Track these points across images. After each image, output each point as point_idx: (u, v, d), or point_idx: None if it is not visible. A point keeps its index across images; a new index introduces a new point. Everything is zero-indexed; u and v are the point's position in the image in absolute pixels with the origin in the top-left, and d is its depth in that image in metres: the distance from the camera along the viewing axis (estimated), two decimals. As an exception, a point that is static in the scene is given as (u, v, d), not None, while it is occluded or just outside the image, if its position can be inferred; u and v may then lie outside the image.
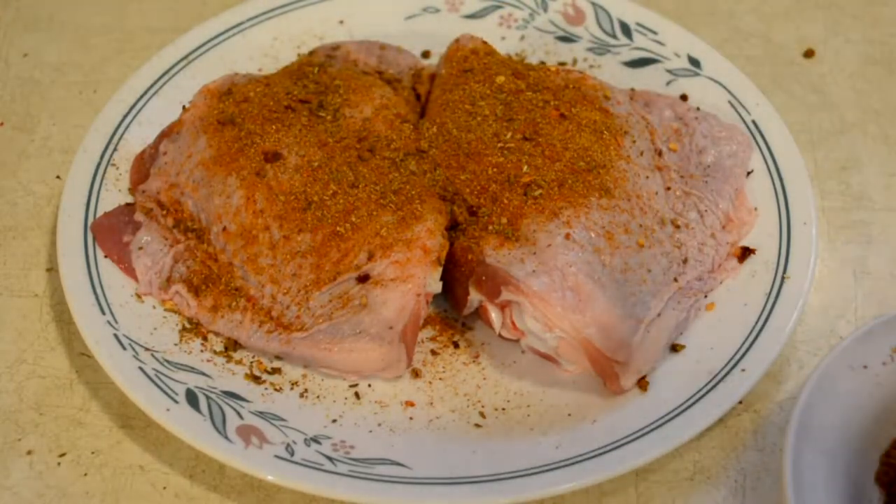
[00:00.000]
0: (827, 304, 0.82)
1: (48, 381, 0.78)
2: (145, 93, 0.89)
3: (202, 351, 0.77)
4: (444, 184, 0.79)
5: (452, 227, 0.78)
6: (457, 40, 0.89)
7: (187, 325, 0.77)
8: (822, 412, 0.68)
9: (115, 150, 0.86)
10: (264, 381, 0.75)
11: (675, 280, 0.77)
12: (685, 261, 0.78)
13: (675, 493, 0.73)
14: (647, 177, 0.81)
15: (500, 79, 0.85)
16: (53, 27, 1.02)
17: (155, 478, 0.74)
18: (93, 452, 0.75)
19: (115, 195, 0.84)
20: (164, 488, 0.73)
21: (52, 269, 0.85)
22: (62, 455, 0.75)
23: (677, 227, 0.80)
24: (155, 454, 0.75)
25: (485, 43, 0.88)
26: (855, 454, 0.68)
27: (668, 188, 0.82)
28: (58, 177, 0.91)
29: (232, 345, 0.77)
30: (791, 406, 0.68)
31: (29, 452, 0.75)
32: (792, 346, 0.79)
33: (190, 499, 0.73)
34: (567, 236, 0.75)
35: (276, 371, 0.76)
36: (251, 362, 0.76)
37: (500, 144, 0.80)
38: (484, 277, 0.74)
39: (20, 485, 0.73)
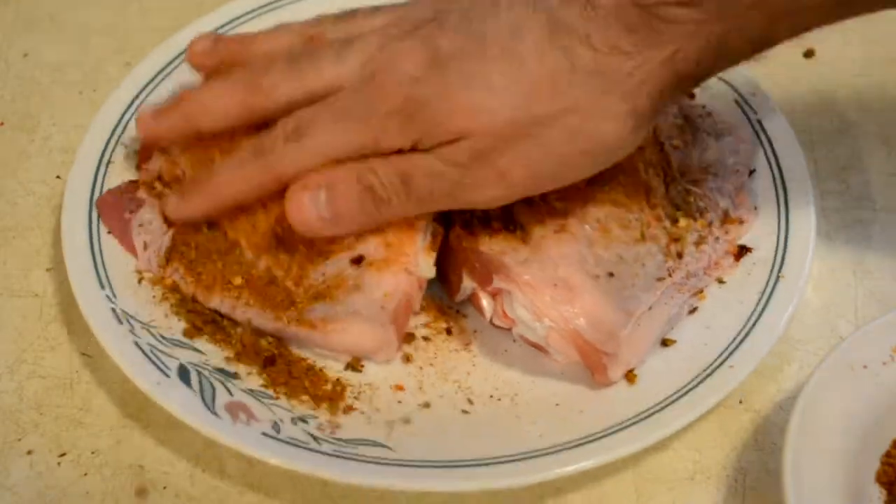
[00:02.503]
0: (827, 304, 0.82)
1: (48, 381, 0.78)
2: (155, 77, 0.90)
3: (197, 327, 0.77)
4: None
5: (449, 216, 0.78)
6: None
7: (183, 303, 0.77)
8: (822, 412, 0.68)
9: (123, 129, 0.86)
10: None
11: (670, 275, 0.77)
12: (680, 256, 0.78)
13: (675, 493, 0.73)
14: (648, 172, 0.81)
15: None
16: (53, 27, 1.02)
17: (155, 478, 0.74)
18: (93, 452, 0.75)
19: (123, 173, 0.84)
20: (164, 488, 0.73)
21: (52, 269, 0.85)
22: (62, 455, 0.75)
23: (675, 222, 0.80)
24: (155, 454, 0.75)
25: None
26: (855, 454, 0.68)
27: (668, 184, 0.82)
28: (58, 177, 0.91)
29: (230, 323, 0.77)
30: (791, 406, 0.68)
31: (29, 452, 0.75)
32: (792, 346, 0.79)
33: (190, 499, 0.73)
34: (562, 227, 0.75)
35: None
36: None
37: None
38: (477, 265, 0.75)
39: (20, 485, 0.73)
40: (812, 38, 1.00)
